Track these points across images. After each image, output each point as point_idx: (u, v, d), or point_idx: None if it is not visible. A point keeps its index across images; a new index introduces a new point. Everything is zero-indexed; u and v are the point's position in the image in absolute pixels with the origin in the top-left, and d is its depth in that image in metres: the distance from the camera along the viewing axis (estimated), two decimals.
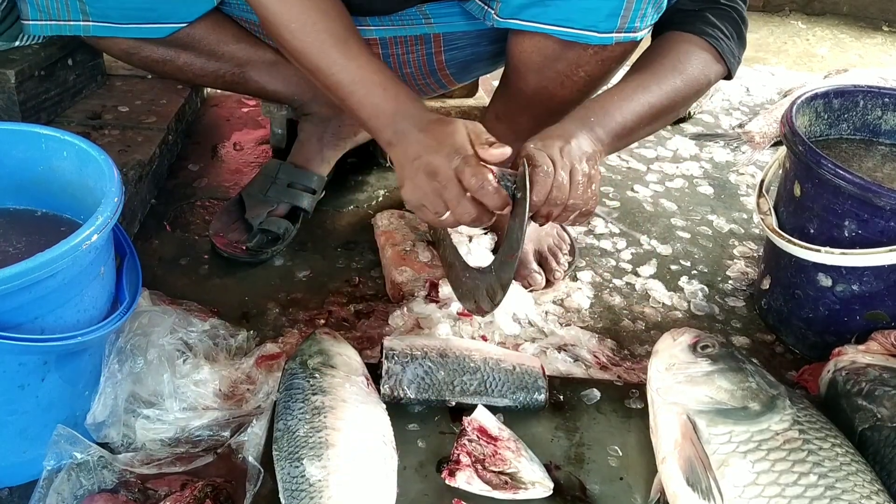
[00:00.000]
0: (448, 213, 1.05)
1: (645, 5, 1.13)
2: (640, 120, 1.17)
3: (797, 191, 1.28)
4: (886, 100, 1.41)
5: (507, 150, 1.04)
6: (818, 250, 1.22)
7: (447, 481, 0.99)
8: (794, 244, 1.25)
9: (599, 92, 1.23)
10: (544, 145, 1.06)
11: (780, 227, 1.30)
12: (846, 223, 1.20)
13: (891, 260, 1.16)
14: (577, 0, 1.13)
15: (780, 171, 1.38)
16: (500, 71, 1.40)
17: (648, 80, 1.18)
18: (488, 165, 1.03)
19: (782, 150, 1.37)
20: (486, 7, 1.25)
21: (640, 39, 1.20)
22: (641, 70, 1.21)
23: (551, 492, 1.01)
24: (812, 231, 1.26)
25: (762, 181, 1.40)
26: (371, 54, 1.14)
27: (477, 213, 1.04)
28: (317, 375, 1.06)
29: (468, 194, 1.03)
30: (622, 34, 1.16)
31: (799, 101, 1.36)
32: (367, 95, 1.11)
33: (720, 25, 1.22)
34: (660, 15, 1.18)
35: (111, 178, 0.99)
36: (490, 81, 1.80)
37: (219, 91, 2.03)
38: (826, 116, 1.41)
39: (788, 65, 2.77)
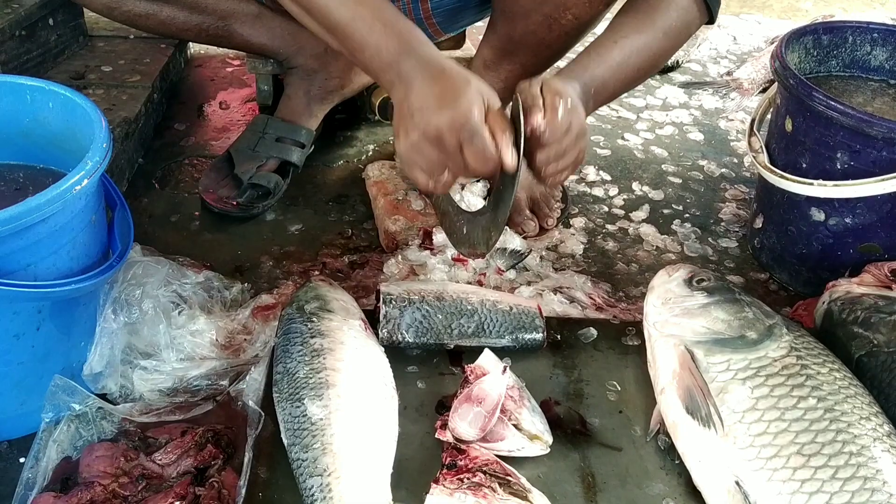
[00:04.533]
0: (442, 177, 1.00)
1: None
2: (622, 80, 1.19)
3: (788, 126, 1.27)
4: (875, 35, 1.40)
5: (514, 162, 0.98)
6: (811, 183, 1.21)
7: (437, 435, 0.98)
8: (787, 179, 1.24)
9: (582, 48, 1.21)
10: (541, 86, 1.03)
11: (772, 164, 1.29)
12: (838, 155, 1.20)
13: (883, 189, 1.16)
14: None
15: (771, 110, 1.37)
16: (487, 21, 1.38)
17: (632, 37, 1.17)
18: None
19: (773, 88, 1.37)
20: None
21: None
22: (624, 24, 1.19)
23: (549, 449, 0.98)
24: (804, 165, 1.26)
25: (753, 119, 1.40)
26: None
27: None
28: (314, 319, 1.06)
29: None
30: None
31: (789, 36, 1.35)
32: (369, 33, 1.01)
33: None
34: None
35: (99, 125, 0.97)
36: (476, 35, 1.78)
37: (203, 51, 2.00)
38: (815, 53, 1.40)
39: (773, 19, 2.74)
